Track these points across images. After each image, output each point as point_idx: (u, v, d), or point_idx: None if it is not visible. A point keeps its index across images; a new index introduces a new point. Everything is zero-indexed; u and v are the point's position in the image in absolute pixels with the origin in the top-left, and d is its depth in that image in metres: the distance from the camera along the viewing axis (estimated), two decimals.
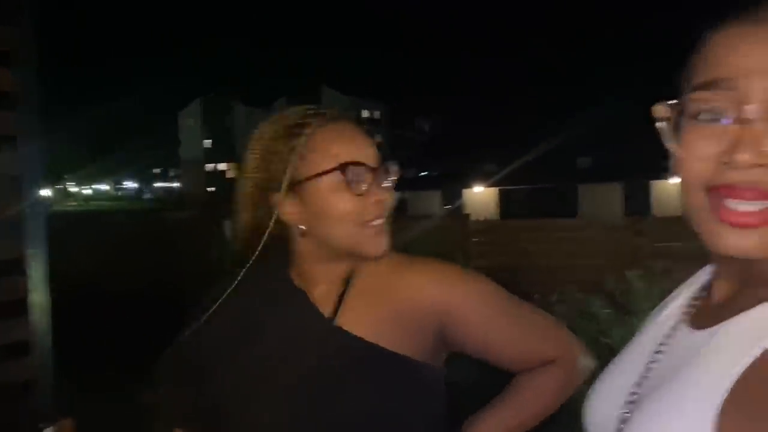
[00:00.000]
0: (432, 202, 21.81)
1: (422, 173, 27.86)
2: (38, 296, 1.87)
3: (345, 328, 0.99)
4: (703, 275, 0.73)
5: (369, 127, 1.09)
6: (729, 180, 0.58)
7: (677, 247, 5.72)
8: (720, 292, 0.67)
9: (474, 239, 8.10)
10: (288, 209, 1.00)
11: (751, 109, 0.56)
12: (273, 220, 1.01)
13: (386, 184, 1.03)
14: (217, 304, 1.05)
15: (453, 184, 20.96)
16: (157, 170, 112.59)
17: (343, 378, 0.96)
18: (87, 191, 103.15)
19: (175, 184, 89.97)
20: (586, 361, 1.08)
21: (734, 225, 0.57)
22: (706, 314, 0.66)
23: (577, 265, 6.58)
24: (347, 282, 1.03)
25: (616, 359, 0.76)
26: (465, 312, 1.01)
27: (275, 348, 1.00)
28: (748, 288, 0.61)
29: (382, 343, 0.98)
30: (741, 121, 0.57)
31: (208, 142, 70.12)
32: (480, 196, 20.26)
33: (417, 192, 23.87)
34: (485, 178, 20.44)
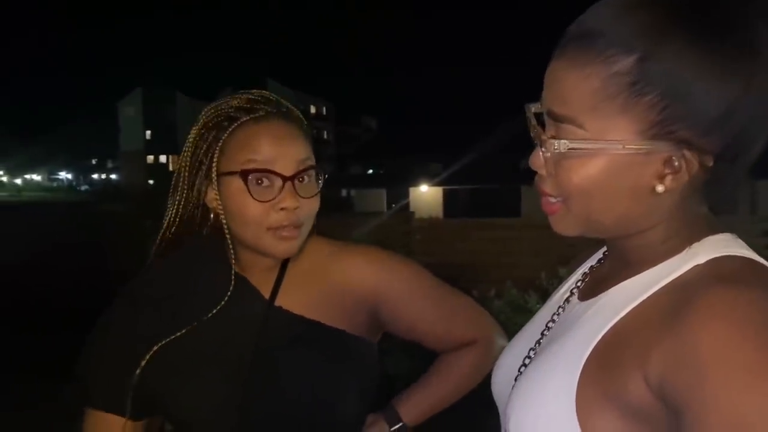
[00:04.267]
0: (378, 200, 21.89)
1: (369, 171, 27.88)
2: None
3: (285, 308, 1.04)
4: (598, 254, 0.82)
5: (308, 127, 1.07)
6: None
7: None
8: (606, 268, 0.76)
9: (417, 236, 8.22)
10: (211, 196, 1.03)
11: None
12: (200, 205, 1.04)
13: (305, 191, 1.01)
14: (150, 288, 1.07)
15: (399, 182, 21.09)
16: (94, 161, 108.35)
17: (286, 354, 1.01)
18: (17, 181, 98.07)
19: (114, 176, 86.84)
20: (503, 342, 1.16)
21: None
22: (593, 287, 0.74)
23: (514, 262, 6.76)
24: (284, 267, 1.07)
25: (521, 330, 0.84)
26: (392, 293, 1.08)
27: (217, 329, 1.02)
28: (624, 265, 0.70)
29: (321, 321, 1.03)
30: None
31: (148, 133, 68.07)
32: (426, 195, 20.47)
33: (363, 190, 23.89)
34: (431, 177, 20.67)
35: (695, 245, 0.65)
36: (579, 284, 0.79)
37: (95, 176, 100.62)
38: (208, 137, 1.01)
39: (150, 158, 67.96)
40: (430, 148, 23.12)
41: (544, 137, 0.67)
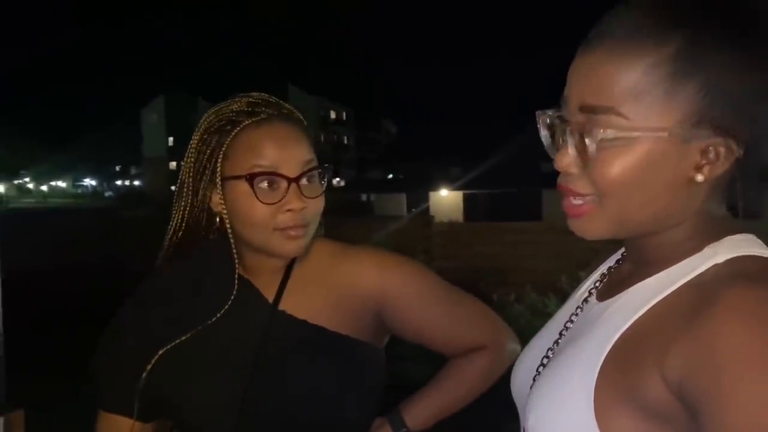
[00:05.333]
0: (398, 204, 21.88)
1: (389, 176, 27.90)
2: None
3: (288, 312, 1.04)
4: (617, 255, 0.82)
5: (309, 128, 1.06)
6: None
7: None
8: (625, 268, 0.76)
9: (437, 240, 8.21)
10: (216, 200, 1.03)
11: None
12: (205, 209, 1.04)
13: (311, 192, 1.02)
14: (158, 292, 1.08)
15: (419, 186, 21.11)
16: (117, 167, 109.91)
17: (289, 358, 1.01)
18: (43, 188, 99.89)
19: (137, 182, 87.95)
20: (515, 347, 1.15)
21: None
22: (612, 287, 0.74)
23: (534, 266, 6.72)
24: (288, 270, 1.07)
25: (541, 330, 0.84)
26: (399, 297, 1.07)
27: (222, 333, 1.03)
28: (643, 265, 0.70)
29: (324, 325, 1.03)
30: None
31: (171, 140, 68.87)
32: (446, 199, 20.44)
33: (383, 194, 23.89)
34: (451, 181, 20.67)
35: (714, 244, 0.65)
36: (597, 285, 0.79)
37: (119, 182, 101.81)
38: (210, 142, 1.01)
39: (173, 164, 68.62)
40: (451, 152, 23.07)
41: (582, 130, 0.65)
